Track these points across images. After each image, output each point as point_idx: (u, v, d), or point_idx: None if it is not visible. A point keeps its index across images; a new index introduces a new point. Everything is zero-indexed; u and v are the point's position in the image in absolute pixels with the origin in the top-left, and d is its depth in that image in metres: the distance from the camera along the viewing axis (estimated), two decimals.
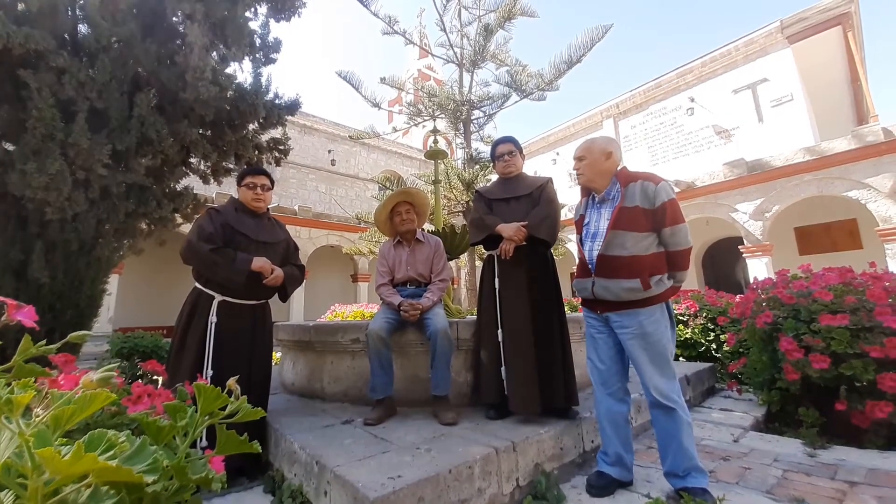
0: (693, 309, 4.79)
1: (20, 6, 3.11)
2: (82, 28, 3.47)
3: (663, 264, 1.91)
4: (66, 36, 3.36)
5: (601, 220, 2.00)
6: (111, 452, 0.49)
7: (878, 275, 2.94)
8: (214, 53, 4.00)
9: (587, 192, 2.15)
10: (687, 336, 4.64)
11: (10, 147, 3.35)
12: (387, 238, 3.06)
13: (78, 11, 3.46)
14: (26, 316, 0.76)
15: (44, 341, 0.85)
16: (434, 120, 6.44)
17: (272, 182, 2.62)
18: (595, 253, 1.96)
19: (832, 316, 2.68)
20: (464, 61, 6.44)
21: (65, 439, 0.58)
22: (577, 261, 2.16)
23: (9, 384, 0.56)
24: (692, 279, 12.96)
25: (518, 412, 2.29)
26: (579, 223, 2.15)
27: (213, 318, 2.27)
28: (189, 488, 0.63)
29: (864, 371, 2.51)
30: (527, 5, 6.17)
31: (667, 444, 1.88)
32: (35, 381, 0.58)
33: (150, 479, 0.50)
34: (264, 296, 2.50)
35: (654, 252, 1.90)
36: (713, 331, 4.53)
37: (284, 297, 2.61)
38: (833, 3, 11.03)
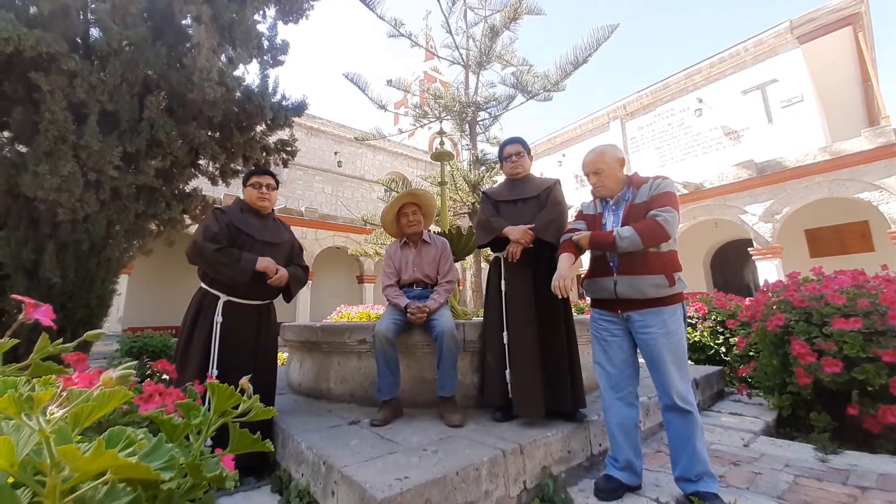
0: (702, 312, 4.75)
1: (32, 9, 3.16)
2: (93, 31, 3.51)
3: (678, 262, 1.95)
4: (77, 39, 3.41)
5: (619, 220, 2.01)
6: (130, 449, 0.49)
7: (891, 278, 2.90)
8: (223, 56, 4.04)
9: (597, 196, 2.16)
10: (696, 339, 4.60)
11: (22, 149, 3.40)
12: (393, 239, 3.07)
13: (89, 15, 3.51)
14: (44, 314, 0.77)
15: (59, 340, 0.86)
16: (440, 121, 6.44)
17: (277, 182, 2.64)
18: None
19: (845, 319, 2.64)
20: (469, 63, 6.44)
21: (80, 437, 0.58)
22: (583, 263, 2.15)
23: (28, 381, 0.56)
24: (700, 281, 12.85)
25: (522, 415, 2.29)
26: (593, 220, 2.13)
27: (218, 318, 2.28)
28: (202, 486, 0.63)
29: (877, 375, 2.48)
30: (533, 4, 6.15)
31: (680, 448, 1.86)
32: (54, 379, 0.59)
33: (166, 476, 0.50)
34: (269, 296, 2.52)
35: (672, 249, 1.95)
36: (722, 334, 4.49)
37: (289, 298, 2.62)
38: (843, 3, 10.92)
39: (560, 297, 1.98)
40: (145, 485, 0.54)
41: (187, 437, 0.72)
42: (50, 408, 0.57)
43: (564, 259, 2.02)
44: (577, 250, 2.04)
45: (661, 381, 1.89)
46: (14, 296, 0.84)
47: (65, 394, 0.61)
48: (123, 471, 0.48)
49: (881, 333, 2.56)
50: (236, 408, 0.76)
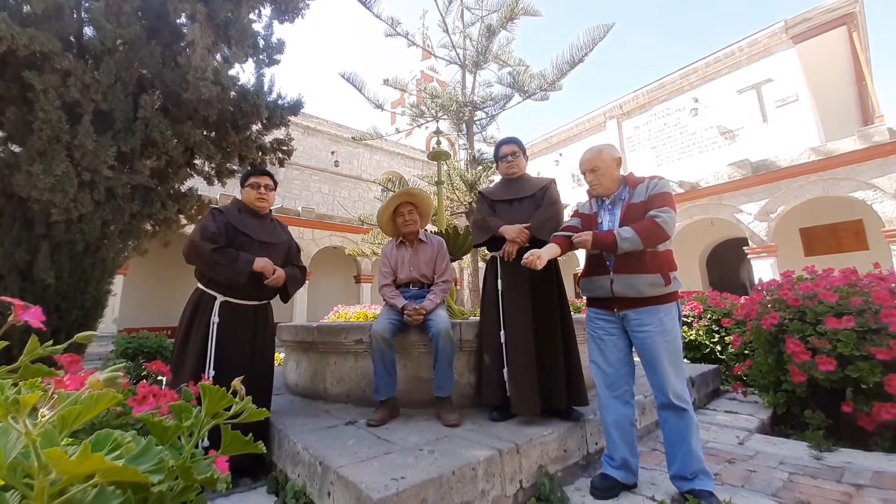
0: (697, 310, 4.77)
1: (25, 8, 3.13)
2: (87, 30, 3.49)
3: (674, 262, 1.97)
4: (71, 38, 3.39)
5: (615, 221, 2.03)
6: (118, 452, 0.49)
7: (884, 276, 2.92)
8: (218, 55, 4.03)
9: (593, 195, 2.17)
10: (691, 337, 4.62)
11: (16, 149, 3.38)
12: (390, 239, 3.06)
13: (83, 13, 3.49)
14: (33, 316, 0.76)
15: (50, 342, 0.85)
16: (437, 121, 6.43)
17: (275, 183, 2.64)
18: None
19: (837, 319, 2.66)
20: (466, 62, 6.43)
21: (70, 439, 0.58)
22: (580, 262, 2.16)
23: (15, 384, 0.56)
24: (696, 280, 12.90)
25: (520, 413, 2.29)
26: (589, 219, 2.14)
27: (214, 319, 2.28)
28: (194, 488, 0.63)
29: (871, 373, 2.49)
30: (529, 5, 6.16)
31: (676, 446, 1.87)
32: (41, 381, 0.58)
33: (155, 478, 0.50)
34: (266, 296, 2.51)
35: (668, 249, 1.96)
36: (717, 332, 4.51)
37: (286, 298, 2.62)
38: (837, 2, 10.97)
39: (530, 266, 1.95)
40: (135, 487, 0.54)
41: (180, 439, 0.72)
42: (42, 410, 0.56)
43: (551, 245, 2.05)
44: (568, 246, 2.05)
45: (656, 380, 1.90)
46: (3, 298, 0.83)
47: (56, 396, 0.60)
48: (111, 474, 0.47)
49: (875, 331, 2.57)
50: (229, 409, 0.76)
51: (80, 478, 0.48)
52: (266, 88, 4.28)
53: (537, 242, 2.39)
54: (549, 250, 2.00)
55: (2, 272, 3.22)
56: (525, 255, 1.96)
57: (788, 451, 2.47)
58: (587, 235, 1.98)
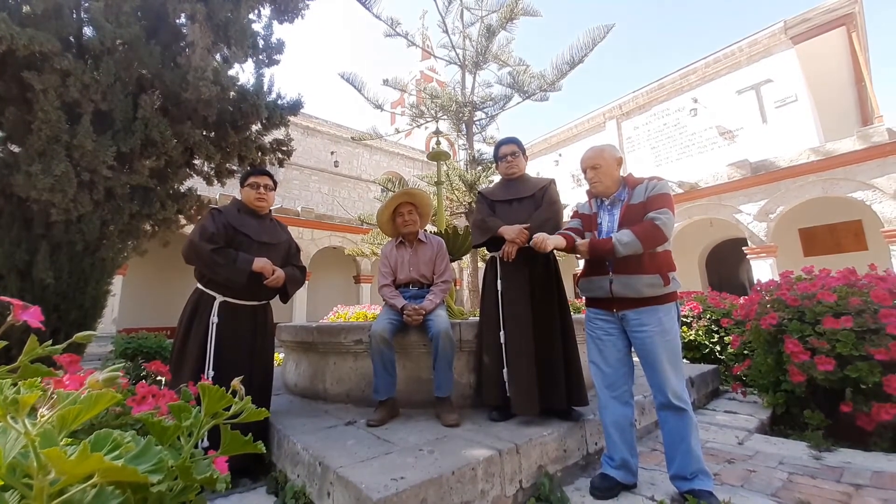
0: (696, 310, 4.77)
1: (25, 8, 3.13)
2: (87, 30, 3.49)
3: (673, 262, 1.97)
4: (70, 38, 3.38)
5: (614, 221, 2.04)
6: (117, 452, 0.49)
7: (883, 276, 2.92)
8: (218, 55, 4.02)
9: (593, 194, 2.17)
10: (691, 338, 4.62)
11: (15, 149, 3.38)
12: (389, 239, 3.06)
13: (83, 13, 3.49)
14: (32, 316, 0.76)
15: (49, 342, 0.85)
16: (436, 121, 6.43)
17: (275, 183, 2.64)
18: None
19: (835, 319, 2.66)
20: (466, 62, 6.44)
21: (70, 439, 0.58)
22: (580, 262, 2.17)
23: (15, 384, 0.56)
24: (695, 280, 12.91)
25: (520, 413, 2.29)
26: (588, 220, 2.14)
27: (214, 319, 2.28)
28: (193, 488, 0.63)
29: (870, 373, 2.50)
30: (529, 5, 6.17)
31: (675, 446, 1.87)
32: (41, 381, 0.58)
33: (155, 479, 0.50)
34: (265, 297, 2.51)
35: (667, 250, 1.96)
36: (717, 332, 4.51)
37: (285, 299, 2.62)
38: (837, 3, 10.98)
39: (538, 249, 1.99)
40: (135, 487, 0.54)
41: (179, 439, 0.72)
42: (41, 410, 0.56)
43: (557, 236, 2.08)
44: (571, 246, 2.06)
45: (656, 380, 1.90)
46: (2, 297, 0.83)
47: (55, 396, 0.60)
48: (111, 474, 0.47)
49: (874, 332, 2.58)
50: (229, 409, 0.76)
51: (80, 478, 0.48)
52: (266, 88, 4.28)
53: None
54: (556, 240, 2.02)
55: (1, 272, 3.22)
56: (534, 237, 2.00)
57: (788, 451, 2.47)
58: (584, 242, 2.00)
